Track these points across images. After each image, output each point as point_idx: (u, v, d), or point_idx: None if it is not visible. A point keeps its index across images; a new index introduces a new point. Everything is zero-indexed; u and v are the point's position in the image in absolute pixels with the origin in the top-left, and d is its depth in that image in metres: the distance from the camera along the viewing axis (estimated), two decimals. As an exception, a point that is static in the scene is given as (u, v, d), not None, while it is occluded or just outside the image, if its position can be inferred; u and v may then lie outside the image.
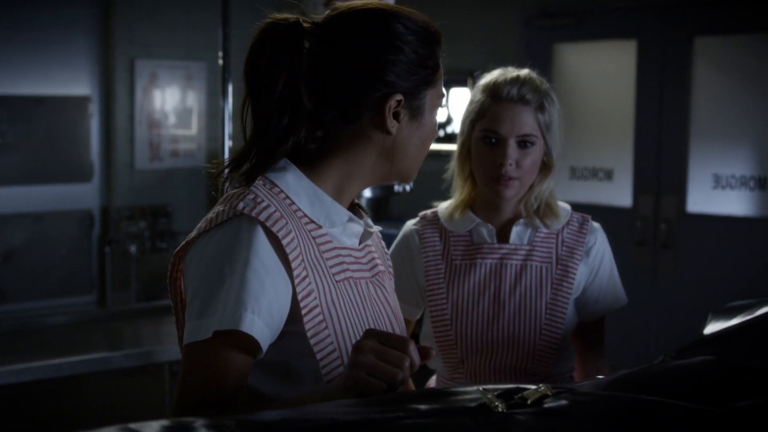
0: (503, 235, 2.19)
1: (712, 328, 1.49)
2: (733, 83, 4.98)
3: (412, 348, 1.32)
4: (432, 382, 2.33)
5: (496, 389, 1.14)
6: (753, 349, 1.30)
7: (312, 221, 1.51)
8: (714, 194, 5.03)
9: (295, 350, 1.46)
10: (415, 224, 2.27)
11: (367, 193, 4.27)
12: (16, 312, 5.41)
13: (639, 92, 5.25)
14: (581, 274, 2.19)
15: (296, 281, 1.44)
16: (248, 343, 1.40)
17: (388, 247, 1.95)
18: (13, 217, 5.79)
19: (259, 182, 1.49)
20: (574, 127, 4.97)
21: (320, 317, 1.46)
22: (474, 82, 2.24)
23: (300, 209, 1.50)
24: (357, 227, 1.58)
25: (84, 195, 6.09)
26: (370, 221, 1.62)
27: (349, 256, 1.55)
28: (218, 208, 1.47)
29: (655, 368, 1.28)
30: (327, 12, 1.56)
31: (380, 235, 1.71)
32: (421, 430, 1.04)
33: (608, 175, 5.44)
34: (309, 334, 1.44)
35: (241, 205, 1.43)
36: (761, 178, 4.87)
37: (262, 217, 1.42)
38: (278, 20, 1.51)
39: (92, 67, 6.09)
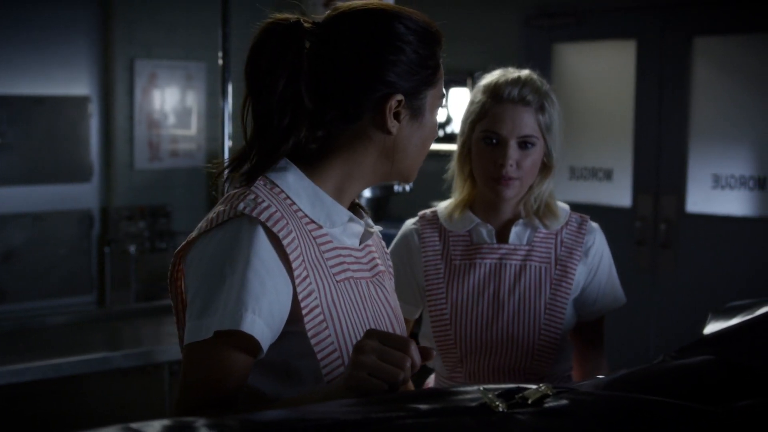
0: (502, 236, 2.20)
1: (711, 328, 1.49)
2: (732, 83, 4.97)
3: (414, 348, 1.33)
4: (430, 381, 2.33)
5: (497, 389, 1.14)
6: (753, 349, 1.30)
7: (312, 221, 1.51)
8: (713, 194, 5.03)
9: (296, 350, 1.46)
10: (414, 224, 2.27)
11: (367, 193, 4.26)
12: (16, 312, 5.40)
13: (638, 92, 5.25)
14: (580, 274, 2.19)
15: (297, 281, 1.44)
16: (249, 343, 1.40)
17: (388, 246, 1.95)
18: (13, 217, 5.79)
19: (259, 182, 1.49)
20: (573, 127, 4.97)
21: (321, 317, 1.46)
22: (474, 82, 2.24)
23: (300, 209, 1.50)
24: (357, 227, 1.58)
25: (83, 195, 6.09)
26: (370, 221, 1.62)
27: (350, 256, 1.55)
28: (219, 208, 1.47)
29: (655, 368, 1.28)
30: (327, 12, 1.56)
31: (380, 235, 1.71)
32: (422, 430, 1.04)
33: (608, 175, 5.44)
34: (309, 334, 1.44)
35: (241, 206, 1.44)
36: (761, 178, 4.87)
37: (262, 218, 1.42)
38: (279, 20, 1.51)
39: (92, 67, 6.09)
